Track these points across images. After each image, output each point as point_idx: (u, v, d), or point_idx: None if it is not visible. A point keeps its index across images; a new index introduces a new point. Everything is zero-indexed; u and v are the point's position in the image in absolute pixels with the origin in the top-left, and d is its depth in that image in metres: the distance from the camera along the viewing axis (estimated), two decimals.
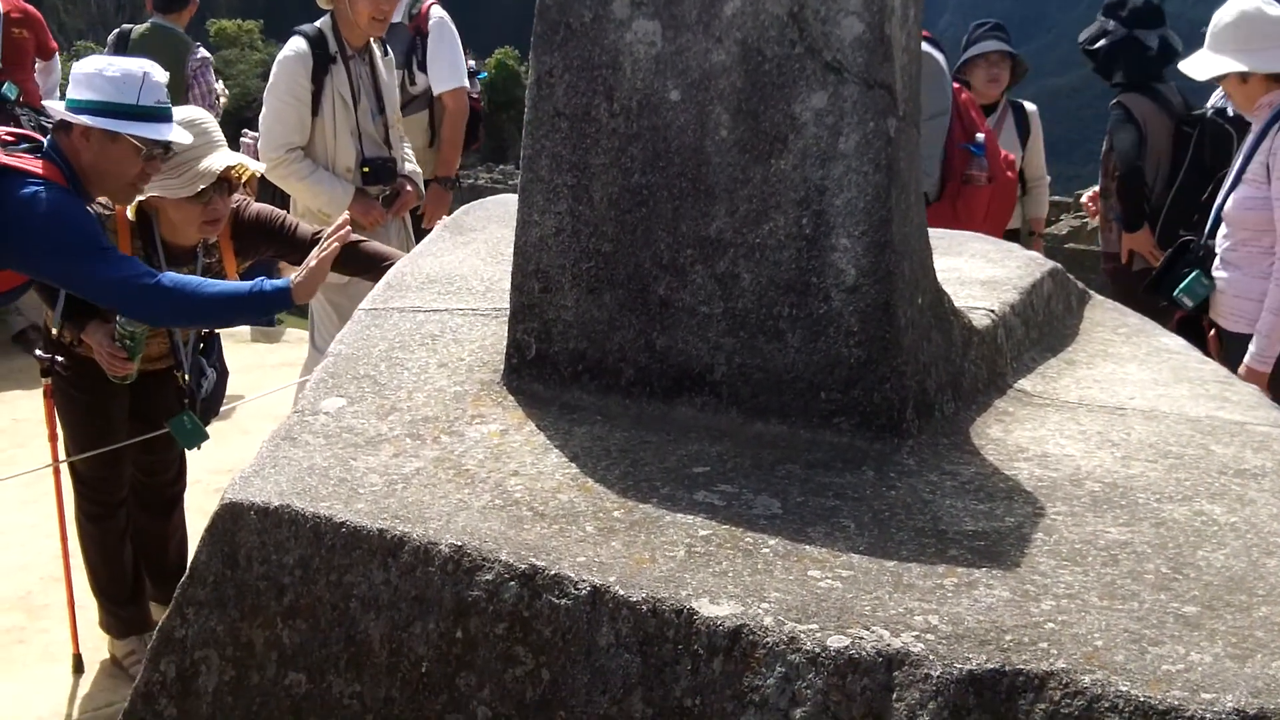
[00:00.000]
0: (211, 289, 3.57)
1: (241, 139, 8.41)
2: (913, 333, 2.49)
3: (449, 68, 6.53)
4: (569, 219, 2.61)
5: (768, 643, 1.89)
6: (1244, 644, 1.83)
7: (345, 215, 3.99)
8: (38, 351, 4.39)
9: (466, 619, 2.07)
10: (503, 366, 2.73)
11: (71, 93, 3.67)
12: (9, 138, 3.60)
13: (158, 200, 4.02)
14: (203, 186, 3.94)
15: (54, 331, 4.25)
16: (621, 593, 1.99)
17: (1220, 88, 5.62)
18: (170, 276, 3.55)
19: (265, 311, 3.69)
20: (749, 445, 2.48)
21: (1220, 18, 4.89)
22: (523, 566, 2.05)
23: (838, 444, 2.47)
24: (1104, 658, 1.80)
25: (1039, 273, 3.25)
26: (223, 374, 4.63)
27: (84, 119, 3.59)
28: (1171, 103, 6.24)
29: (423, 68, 6.52)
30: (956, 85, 6.08)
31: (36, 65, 8.15)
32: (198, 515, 4.89)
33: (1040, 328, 3.14)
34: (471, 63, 6.97)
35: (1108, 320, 3.41)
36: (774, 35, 2.40)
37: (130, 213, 4.10)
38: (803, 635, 1.88)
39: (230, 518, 2.26)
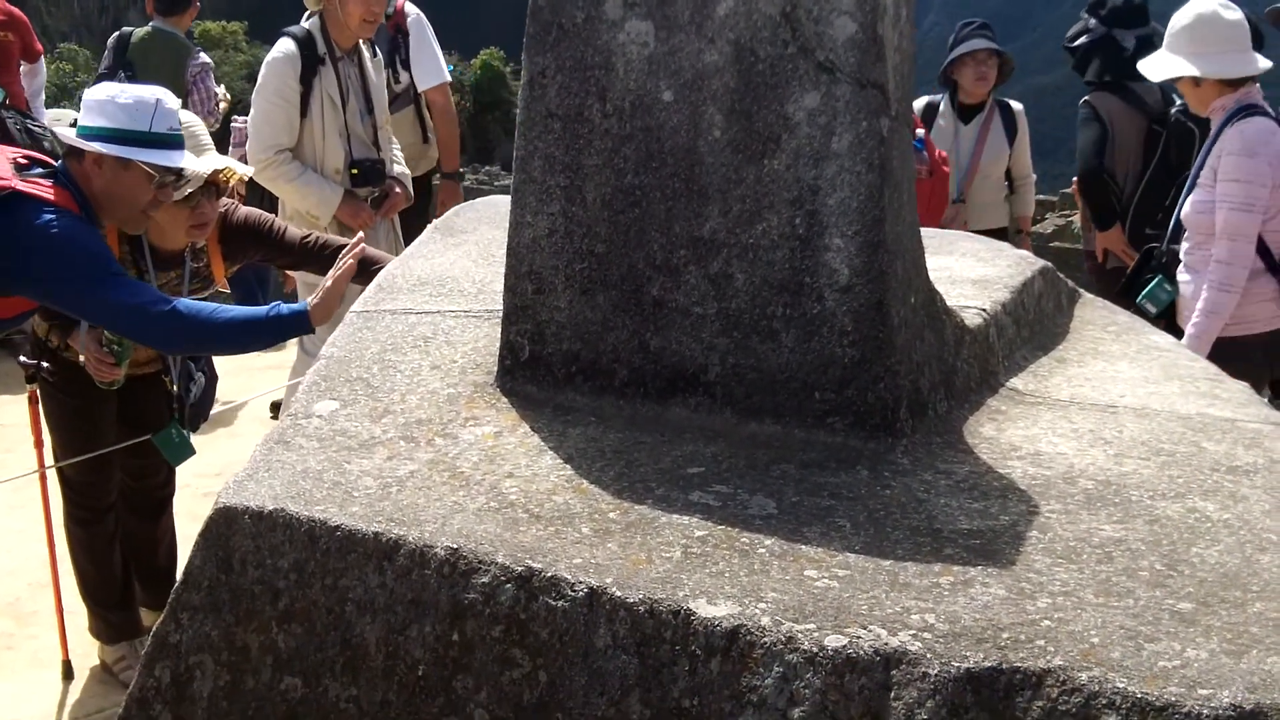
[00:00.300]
0: (227, 315, 3.53)
1: (233, 124, 8.40)
2: (906, 332, 2.50)
3: (432, 64, 6.65)
4: (562, 220, 2.61)
5: (765, 643, 1.89)
6: (1239, 640, 1.84)
7: (360, 235, 3.97)
8: (22, 358, 4.37)
9: (463, 622, 2.07)
10: (496, 368, 2.73)
11: (83, 119, 3.65)
12: (23, 161, 3.59)
13: None
14: (190, 190, 3.93)
15: (41, 336, 4.24)
16: (618, 594, 1.99)
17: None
18: (185, 303, 3.53)
19: (283, 336, 3.65)
20: (743, 445, 2.48)
21: (1177, 19, 4.91)
22: (519, 569, 2.05)
23: (832, 444, 2.48)
24: (1100, 655, 1.80)
25: (1030, 271, 3.26)
26: (211, 378, 4.61)
27: (96, 146, 3.58)
28: (1146, 102, 6.26)
29: (406, 65, 6.61)
30: None
31: (21, 67, 8.12)
32: (186, 519, 4.89)
33: (1031, 326, 3.14)
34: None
35: (1098, 318, 3.42)
36: (767, 35, 2.41)
37: None
38: (800, 635, 1.89)
39: (224, 522, 2.26)
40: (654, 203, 2.54)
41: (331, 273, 3.66)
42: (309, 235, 4.36)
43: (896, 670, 1.83)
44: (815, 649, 1.87)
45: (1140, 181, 6.23)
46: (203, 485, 5.73)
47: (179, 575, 2.33)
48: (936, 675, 1.81)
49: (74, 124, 3.73)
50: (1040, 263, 3.39)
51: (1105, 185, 6.33)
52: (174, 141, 3.68)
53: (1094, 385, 2.88)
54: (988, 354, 2.86)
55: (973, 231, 5.11)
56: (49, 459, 4.46)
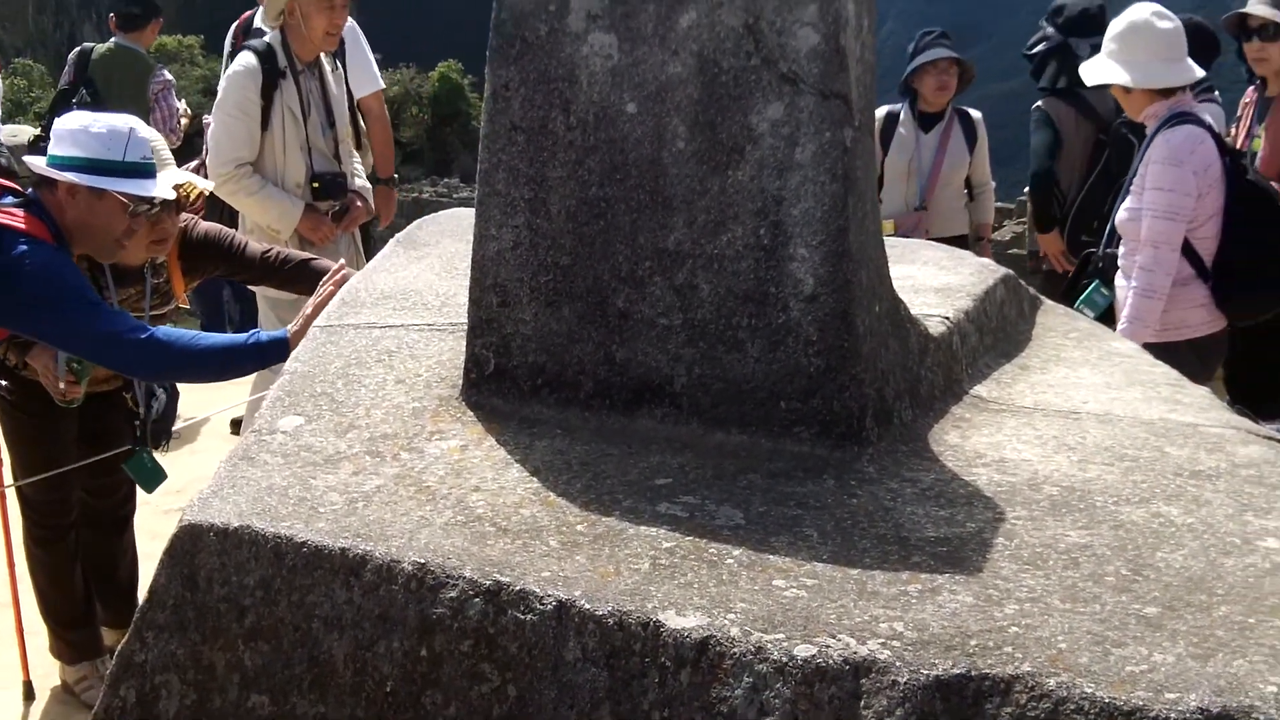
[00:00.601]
0: (206, 342, 3.51)
1: (204, 118, 8.37)
2: (871, 341, 2.51)
3: (366, 72, 6.68)
4: (527, 232, 2.61)
5: (735, 653, 1.89)
6: (1205, 643, 1.85)
7: (343, 262, 3.95)
8: None
9: (431, 637, 2.06)
10: (461, 382, 2.72)
11: (55, 149, 3.63)
12: None
13: None
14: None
15: None
16: (587, 607, 1.98)
17: None
18: (164, 330, 3.50)
19: (262, 363, 3.62)
20: (710, 456, 2.48)
21: (1113, 25, 4.98)
22: (487, 583, 2.05)
23: (798, 453, 2.48)
24: (1068, 660, 1.81)
25: (992, 279, 3.28)
26: (173, 394, 4.58)
27: (70, 176, 3.56)
28: (1097, 111, 6.33)
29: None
30: None
31: None
32: (147, 538, 4.85)
33: (994, 334, 3.16)
34: None
35: (1059, 325, 3.44)
36: (730, 47, 2.41)
37: None
38: (770, 645, 1.89)
39: (189, 539, 2.24)
40: (619, 214, 2.54)
41: (313, 299, 3.65)
42: (269, 250, 4.34)
43: (866, 679, 1.83)
44: (785, 659, 1.87)
45: (1083, 188, 6.32)
46: (163, 503, 5.67)
47: (141, 594, 2.31)
48: (906, 683, 1.81)
49: (35, 141, 3.71)
50: (1002, 270, 3.41)
51: (1051, 190, 6.46)
52: (147, 170, 3.66)
53: (1057, 392, 2.90)
54: (952, 362, 2.87)
55: (934, 239, 5.17)
56: (8, 478, 4.41)
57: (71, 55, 8.48)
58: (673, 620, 1.94)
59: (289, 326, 3.56)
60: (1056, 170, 6.43)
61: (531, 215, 2.60)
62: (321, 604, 2.14)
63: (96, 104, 7.61)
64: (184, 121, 8.52)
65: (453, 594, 2.05)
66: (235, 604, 2.20)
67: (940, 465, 2.48)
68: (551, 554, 2.13)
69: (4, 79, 9.49)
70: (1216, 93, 6.33)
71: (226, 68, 7.79)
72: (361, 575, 2.11)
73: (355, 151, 6.11)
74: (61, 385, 4.00)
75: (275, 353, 3.51)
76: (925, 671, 1.81)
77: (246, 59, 5.56)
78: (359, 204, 5.91)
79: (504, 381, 2.67)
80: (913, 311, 2.79)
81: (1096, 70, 4.98)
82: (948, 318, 2.93)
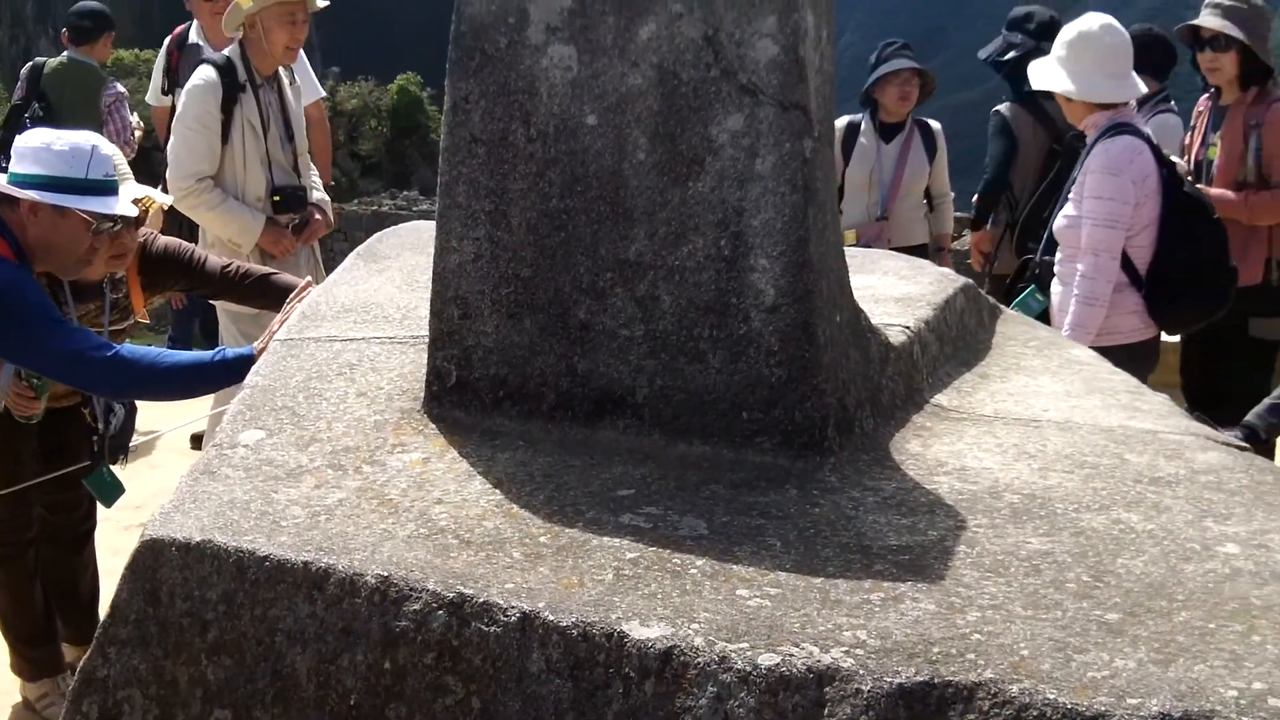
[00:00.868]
0: (171, 360, 3.48)
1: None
2: (832, 351, 2.52)
3: (307, 81, 6.63)
4: (488, 244, 2.61)
5: (699, 663, 1.90)
6: (1166, 649, 1.87)
7: (309, 279, 3.93)
8: None
9: (395, 649, 2.05)
10: (423, 394, 2.71)
11: (16, 166, 3.60)
12: None
13: None
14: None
15: None
16: (551, 618, 1.98)
17: None
18: (129, 348, 3.47)
19: (229, 380, 3.58)
20: (673, 466, 2.48)
21: (1064, 32, 5.02)
22: (450, 595, 2.04)
23: (761, 463, 2.49)
24: (1030, 667, 1.83)
25: (951, 289, 3.30)
26: (131, 409, 4.54)
27: (32, 194, 3.53)
28: (1054, 119, 6.38)
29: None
30: None
31: None
32: (108, 553, 4.81)
33: (954, 343, 3.18)
34: None
35: (1019, 334, 3.47)
36: (690, 59, 2.42)
37: None
38: (733, 654, 1.89)
39: (151, 554, 2.22)
40: (580, 226, 2.54)
41: (279, 317, 3.63)
42: (229, 264, 4.32)
43: (829, 687, 1.84)
44: (749, 668, 1.87)
45: (1034, 195, 6.40)
46: (124, 518, 5.63)
47: (102, 610, 2.29)
48: (869, 691, 1.82)
49: None
50: (962, 280, 3.43)
51: (997, 197, 6.63)
52: (110, 188, 3.64)
53: (1017, 400, 2.92)
54: (912, 371, 2.89)
55: (895, 249, 5.19)
56: None
57: (24, 70, 8.44)
58: (636, 631, 1.94)
59: (255, 344, 3.54)
60: (1010, 178, 6.50)
61: (492, 228, 2.60)
62: (284, 618, 2.13)
63: (49, 118, 7.57)
64: (138, 134, 8.49)
65: (416, 607, 2.05)
66: (198, 618, 2.18)
67: (902, 474, 2.50)
68: (515, 566, 2.13)
69: None
70: (1173, 103, 6.40)
71: (162, 80, 7.78)
72: (324, 589, 2.11)
73: (312, 165, 6.10)
74: (12, 398, 3.97)
75: (241, 370, 3.47)
76: (888, 679, 1.82)
77: (206, 73, 5.54)
78: (318, 217, 5.89)
79: (466, 394, 2.67)
80: (874, 321, 2.81)
81: (1043, 74, 5.02)
82: (908, 327, 2.94)
